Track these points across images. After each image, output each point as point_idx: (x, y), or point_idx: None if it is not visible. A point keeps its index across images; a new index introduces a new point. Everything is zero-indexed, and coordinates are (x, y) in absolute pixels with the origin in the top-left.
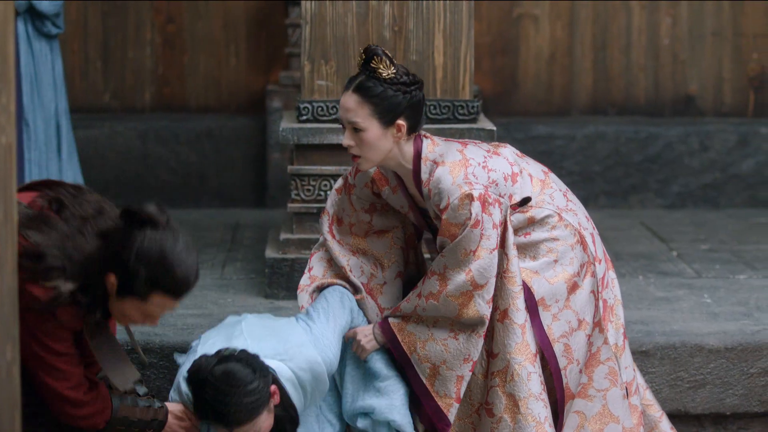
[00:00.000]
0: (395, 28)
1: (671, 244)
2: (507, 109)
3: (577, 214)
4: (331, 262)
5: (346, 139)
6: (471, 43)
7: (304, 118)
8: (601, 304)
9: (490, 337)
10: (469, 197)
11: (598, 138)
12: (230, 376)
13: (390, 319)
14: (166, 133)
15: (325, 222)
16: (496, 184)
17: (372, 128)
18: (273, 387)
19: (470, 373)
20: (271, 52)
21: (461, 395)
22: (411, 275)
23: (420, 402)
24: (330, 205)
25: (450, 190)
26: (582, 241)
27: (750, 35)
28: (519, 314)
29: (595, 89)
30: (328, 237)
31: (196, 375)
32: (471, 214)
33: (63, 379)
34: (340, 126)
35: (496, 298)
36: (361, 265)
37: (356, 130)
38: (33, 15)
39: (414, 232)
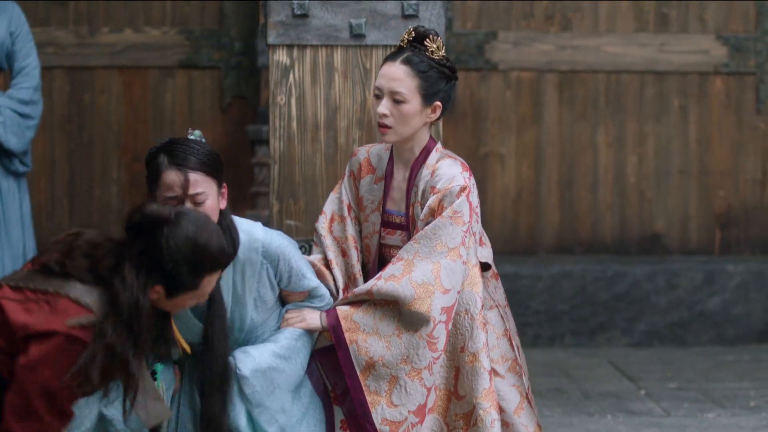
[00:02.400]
0: None
1: (639, 383)
2: None
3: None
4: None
5: (382, 107)
6: None
7: None
8: None
9: (456, 377)
10: (468, 193)
11: (565, 277)
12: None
13: (338, 307)
14: None
15: (323, 220)
16: (478, 222)
17: (414, 102)
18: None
19: (406, 378)
20: (237, 191)
21: (391, 398)
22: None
23: (348, 393)
24: (328, 203)
25: (456, 177)
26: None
27: (716, 173)
28: (488, 360)
29: (561, 228)
30: (325, 233)
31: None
32: (463, 206)
33: None
34: (374, 96)
35: (467, 340)
36: (346, 267)
37: (397, 101)
38: (1, 153)
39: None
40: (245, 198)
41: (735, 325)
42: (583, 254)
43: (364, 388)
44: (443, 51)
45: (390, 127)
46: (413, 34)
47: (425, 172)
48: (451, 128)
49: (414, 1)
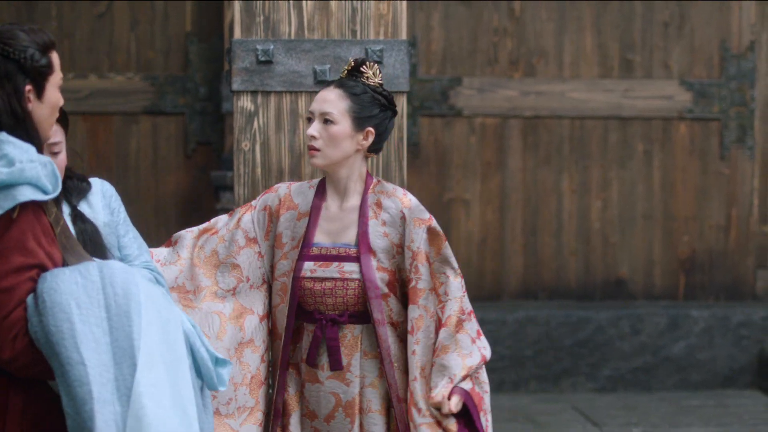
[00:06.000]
0: None
1: (603, 428)
2: None
3: None
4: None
5: (312, 129)
6: None
7: None
8: None
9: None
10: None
11: (529, 322)
12: None
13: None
14: None
15: (196, 229)
16: None
17: (343, 124)
18: None
19: None
20: None
21: None
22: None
23: None
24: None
25: (427, 212)
26: None
27: (681, 218)
28: None
29: (526, 273)
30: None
31: None
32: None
33: None
34: (307, 119)
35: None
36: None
37: (327, 122)
38: None
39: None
40: None
41: (700, 370)
42: (548, 299)
43: None
44: (380, 79)
45: (319, 150)
46: (352, 63)
47: (396, 202)
48: (415, 174)
49: (378, 47)
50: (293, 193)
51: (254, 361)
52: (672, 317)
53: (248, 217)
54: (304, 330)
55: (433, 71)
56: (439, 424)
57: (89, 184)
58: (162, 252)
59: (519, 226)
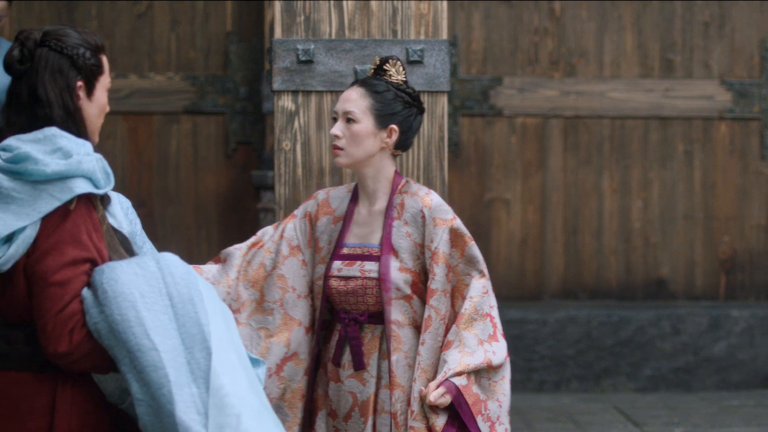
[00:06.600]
0: None
1: (645, 428)
2: None
3: None
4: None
5: (335, 129)
6: None
7: None
8: None
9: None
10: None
11: (570, 322)
12: None
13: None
14: None
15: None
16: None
17: (365, 123)
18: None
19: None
20: (242, 236)
21: None
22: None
23: None
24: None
25: (452, 212)
26: None
27: (721, 218)
28: None
29: (566, 273)
30: (244, 248)
31: None
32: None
33: None
34: (332, 119)
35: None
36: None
37: (349, 120)
38: None
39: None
40: None
41: (740, 370)
42: (589, 299)
43: None
44: (403, 76)
45: (342, 149)
46: (377, 62)
47: (418, 202)
48: (456, 174)
49: (419, 47)
50: (331, 198)
51: (297, 374)
52: (713, 317)
53: (291, 225)
54: (335, 330)
55: (473, 71)
56: (429, 430)
57: (109, 197)
58: (211, 270)
59: (560, 225)
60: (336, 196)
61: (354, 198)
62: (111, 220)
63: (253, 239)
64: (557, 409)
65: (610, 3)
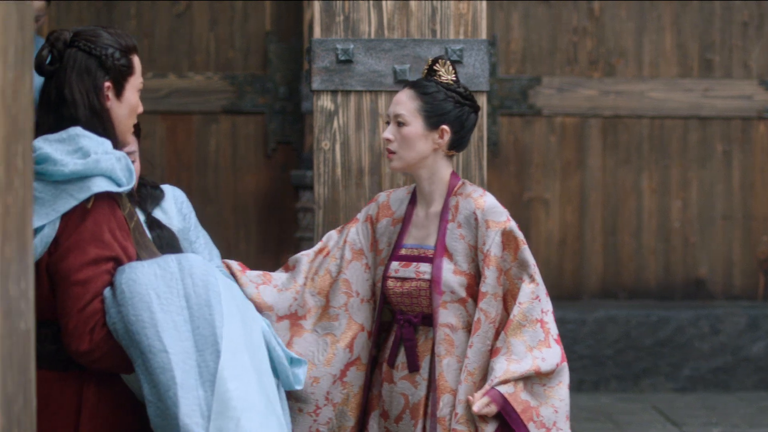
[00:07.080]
0: None
1: (684, 428)
2: None
3: None
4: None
5: (387, 132)
6: None
7: None
8: None
9: None
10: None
11: (609, 322)
12: None
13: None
14: None
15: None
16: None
17: (415, 125)
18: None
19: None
20: (281, 236)
21: None
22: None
23: None
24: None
25: (506, 214)
26: None
27: (760, 218)
28: None
29: (605, 273)
30: (311, 254)
31: None
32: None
33: None
34: (385, 123)
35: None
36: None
37: (400, 124)
38: None
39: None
40: (289, 243)
41: None
42: (627, 299)
43: None
44: (453, 76)
45: (394, 152)
46: (429, 63)
47: (471, 203)
48: (495, 173)
49: (458, 47)
50: (391, 200)
51: (359, 379)
52: (751, 317)
53: (354, 229)
54: (392, 331)
55: (512, 71)
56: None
57: (162, 192)
58: (281, 277)
59: (598, 225)
60: (396, 198)
61: (413, 200)
62: (161, 216)
63: (319, 245)
64: (596, 409)
65: (649, 3)
